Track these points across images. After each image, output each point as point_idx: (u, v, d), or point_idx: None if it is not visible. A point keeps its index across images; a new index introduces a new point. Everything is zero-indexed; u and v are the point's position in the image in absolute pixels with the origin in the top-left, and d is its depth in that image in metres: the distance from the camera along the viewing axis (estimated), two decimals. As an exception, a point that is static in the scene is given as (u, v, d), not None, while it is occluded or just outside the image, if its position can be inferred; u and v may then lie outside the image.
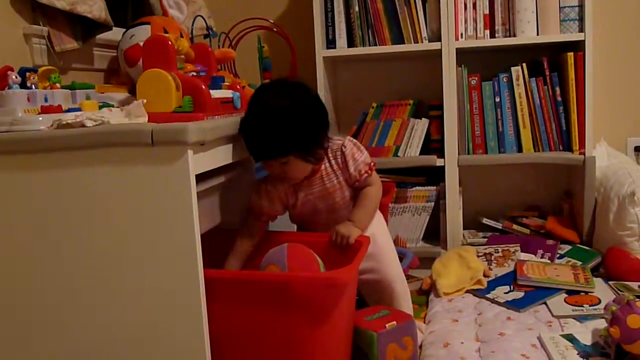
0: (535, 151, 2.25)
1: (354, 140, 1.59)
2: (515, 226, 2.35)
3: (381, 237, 1.63)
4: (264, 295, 1.22)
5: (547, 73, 2.20)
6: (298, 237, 1.53)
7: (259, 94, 1.45)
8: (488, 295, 1.87)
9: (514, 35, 2.19)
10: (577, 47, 2.14)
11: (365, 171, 1.55)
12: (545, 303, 1.78)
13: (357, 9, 2.26)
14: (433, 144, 2.32)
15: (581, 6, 2.12)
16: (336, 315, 1.25)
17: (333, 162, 1.56)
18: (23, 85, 1.30)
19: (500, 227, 2.37)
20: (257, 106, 1.41)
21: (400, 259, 1.83)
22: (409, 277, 2.18)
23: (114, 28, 1.80)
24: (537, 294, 1.83)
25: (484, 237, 2.35)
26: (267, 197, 1.54)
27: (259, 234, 1.55)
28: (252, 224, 1.55)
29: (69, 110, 1.28)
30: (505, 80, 2.24)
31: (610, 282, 1.92)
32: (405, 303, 1.64)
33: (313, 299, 1.21)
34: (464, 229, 2.39)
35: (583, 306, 1.74)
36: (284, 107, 1.39)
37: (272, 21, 2.21)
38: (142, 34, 1.66)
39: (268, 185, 1.54)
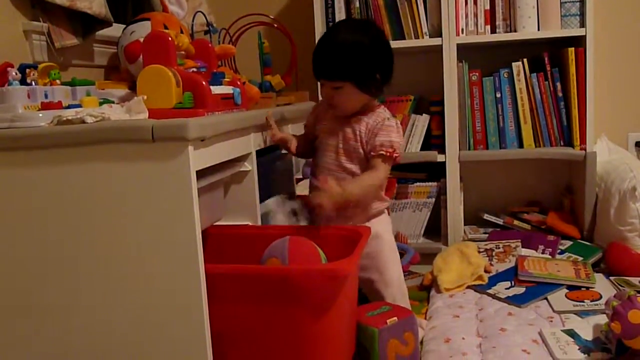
0: (536, 147, 2.24)
1: (400, 126, 1.59)
2: (516, 222, 2.35)
3: (385, 236, 1.62)
4: (265, 288, 1.22)
5: (548, 68, 2.19)
6: (300, 230, 1.53)
7: (338, 23, 1.68)
8: (489, 291, 1.87)
9: (515, 31, 2.18)
10: (578, 42, 2.14)
11: (385, 150, 1.52)
12: (546, 298, 1.78)
13: (357, 4, 2.26)
14: (434, 140, 2.31)
15: (582, 1, 2.12)
16: (337, 307, 1.25)
17: (371, 120, 1.56)
18: (23, 81, 1.29)
19: (501, 223, 2.37)
20: (334, 31, 1.58)
21: (402, 255, 1.83)
22: (410, 273, 2.19)
23: (114, 24, 1.80)
24: (538, 289, 1.83)
25: (484, 233, 2.34)
26: (314, 112, 1.70)
27: (304, 143, 1.68)
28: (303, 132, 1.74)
29: (69, 107, 1.28)
30: (506, 76, 2.24)
31: (611, 278, 1.92)
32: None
33: (313, 291, 1.20)
34: (465, 224, 2.39)
35: (584, 301, 1.74)
36: (357, 39, 1.51)
37: (272, 17, 2.20)
38: (142, 30, 1.65)
39: (321, 104, 1.68)
